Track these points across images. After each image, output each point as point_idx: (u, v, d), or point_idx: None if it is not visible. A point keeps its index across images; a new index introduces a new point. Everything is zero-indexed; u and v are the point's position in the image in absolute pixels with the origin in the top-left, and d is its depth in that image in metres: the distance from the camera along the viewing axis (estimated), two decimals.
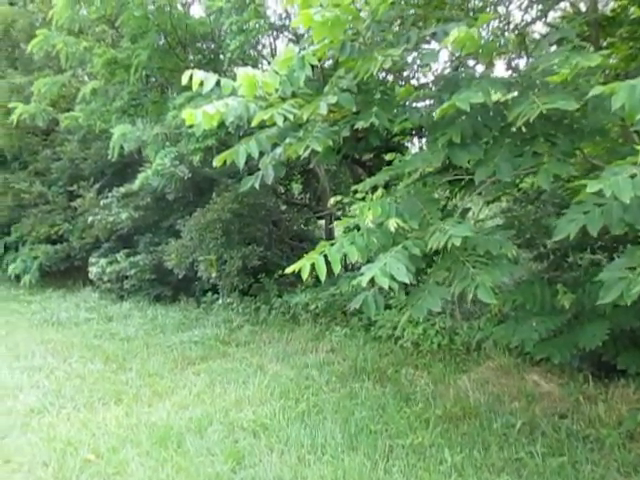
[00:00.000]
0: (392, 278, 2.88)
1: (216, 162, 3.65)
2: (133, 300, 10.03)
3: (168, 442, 4.13)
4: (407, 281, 2.88)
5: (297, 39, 7.40)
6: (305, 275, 3.00)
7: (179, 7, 7.66)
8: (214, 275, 8.62)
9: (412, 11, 4.34)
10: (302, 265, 3.03)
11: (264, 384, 5.35)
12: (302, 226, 10.98)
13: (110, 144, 6.24)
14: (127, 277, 10.04)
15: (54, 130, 12.23)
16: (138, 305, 9.74)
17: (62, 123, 8.80)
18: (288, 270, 3.13)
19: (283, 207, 11.07)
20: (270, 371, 5.85)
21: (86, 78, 9.20)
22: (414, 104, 4.09)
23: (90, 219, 10.17)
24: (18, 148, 12.88)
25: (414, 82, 6.79)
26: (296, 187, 12.28)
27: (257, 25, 6.05)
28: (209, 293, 9.22)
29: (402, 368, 5.70)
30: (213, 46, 8.33)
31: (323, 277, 3.00)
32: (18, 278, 12.32)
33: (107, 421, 4.63)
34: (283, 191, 11.49)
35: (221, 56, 7.97)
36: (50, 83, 7.79)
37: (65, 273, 12.86)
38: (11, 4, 13.58)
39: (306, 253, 3.11)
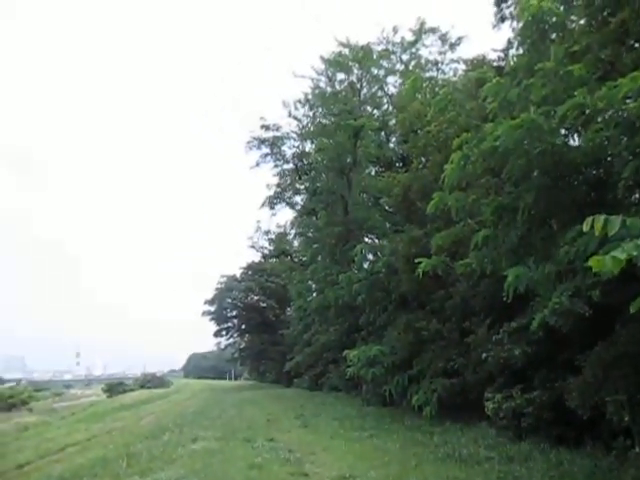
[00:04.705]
0: None
1: (631, 308, 3.43)
2: (532, 440, 9.59)
3: None
4: None
5: None
6: None
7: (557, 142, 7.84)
8: (626, 418, 7.58)
9: None
10: None
11: None
12: None
13: (504, 286, 6.54)
14: (524, 414, 9.80)
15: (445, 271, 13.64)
16: (538, 446, 9.23)
17: (457, 270, 9.75)
18: None
19: None
20: None
21: (469, 221, 10.12)
22: None
23: (483, 355, 10.56)
24: (417, 291, 14.81)
25: None
26: None
27: None
28: (621, 438, 8.07)
29: None
30: (596, 172, 8.09)
31: None
32: (420, 408, 13.59)
33: None
34: None
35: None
36: (445, 236, 8.91)
37: (460, 406, 13.47)
38: (406, 171, 16.58)
39: None
